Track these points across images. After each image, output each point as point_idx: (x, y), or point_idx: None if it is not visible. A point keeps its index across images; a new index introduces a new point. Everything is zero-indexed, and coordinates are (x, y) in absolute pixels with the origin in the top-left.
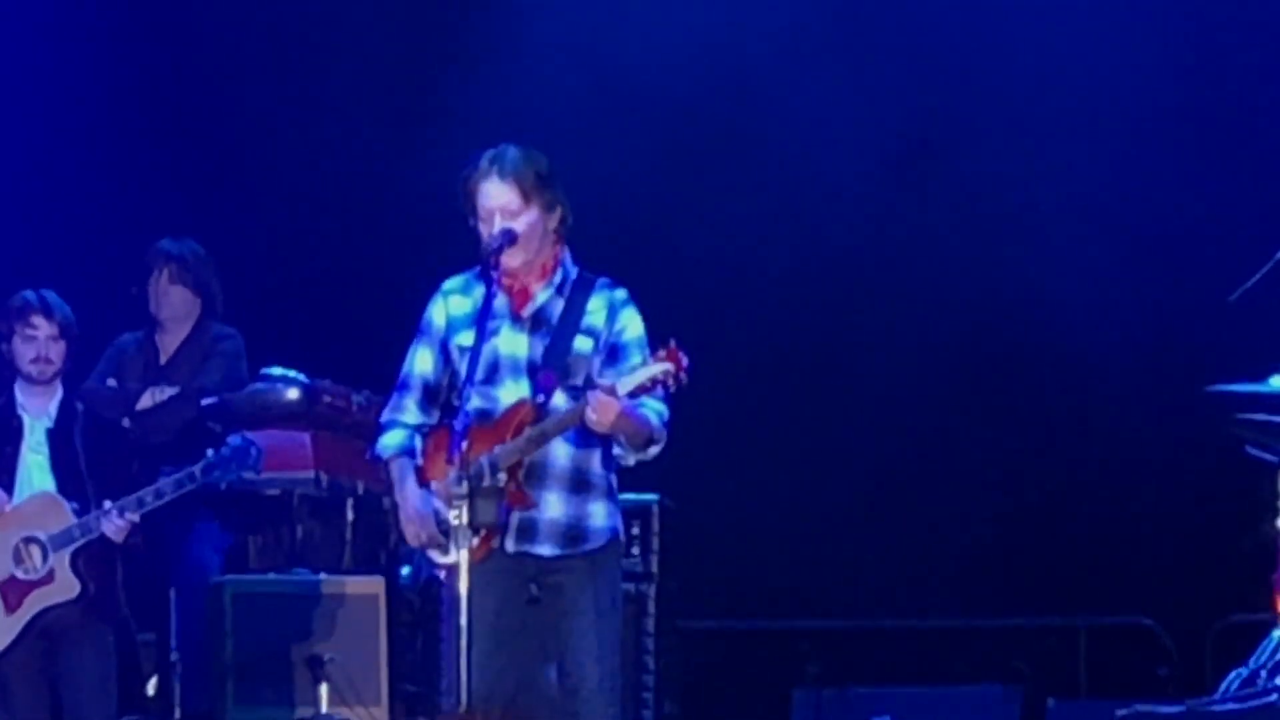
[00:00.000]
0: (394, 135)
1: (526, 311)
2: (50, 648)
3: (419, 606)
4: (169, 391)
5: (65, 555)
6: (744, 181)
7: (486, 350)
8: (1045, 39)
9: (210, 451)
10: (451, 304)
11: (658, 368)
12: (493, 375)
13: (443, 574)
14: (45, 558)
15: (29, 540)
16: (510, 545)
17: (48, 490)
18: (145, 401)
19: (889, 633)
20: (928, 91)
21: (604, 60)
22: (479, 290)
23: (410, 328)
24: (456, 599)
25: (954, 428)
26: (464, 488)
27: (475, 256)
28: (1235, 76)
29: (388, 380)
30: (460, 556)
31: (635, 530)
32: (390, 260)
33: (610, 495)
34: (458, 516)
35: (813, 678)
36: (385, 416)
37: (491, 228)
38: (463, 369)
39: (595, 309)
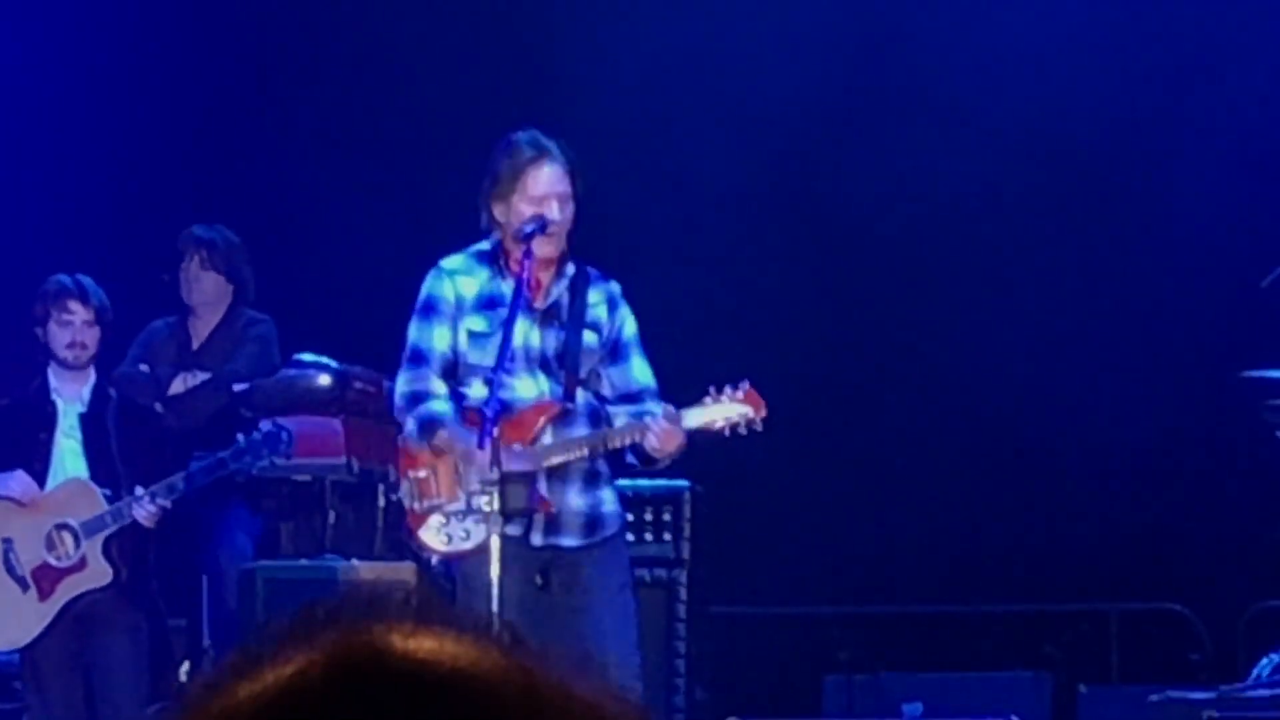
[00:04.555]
0: (427, 121)
1: (541, 303)
2: (83, 635)
3: (451, 592)
4: (201, 377)
5: (97, 542)
6: (767, 174)
7: (499, 339)
8: (1049, 40)
9: (241, 437)
10: (459, 284)
11: (734, 409)
12: (507, 365)
13: (434, 559)
14: (78, 544)
15: (61, 527)
16: (537, 539)
17: (80, 477)
18: (177, 387)
19: (920, 619)
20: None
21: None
22: (483, 272)
23: None
24: (479, 585)
25: (985, 414)
26: (495, 473)
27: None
28: (1271, 53)
29: None
30: (492, 543)
31: (666, 516)
32: (422, 248)
33: (611, 481)
34: (488, 503)
35: (844, 664)
36: (410, 387)
37: (541, 211)
38: (477, 353)
39: (596, 302)
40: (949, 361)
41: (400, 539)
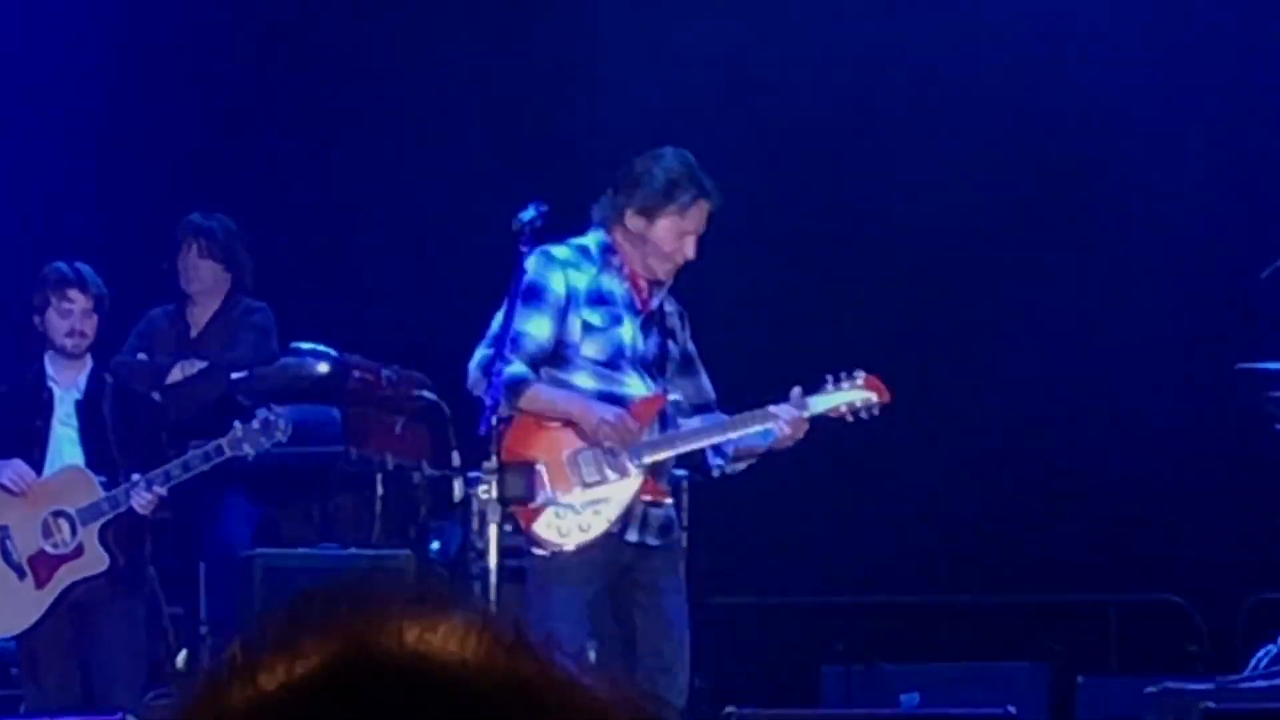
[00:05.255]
0: (426, 109)
1: (645, 308)
2: (79, 622)
3: (449, 580)
4: (199, 365)
5: (94, 529)
6: (780, 176)
7: (613, 335)
8: (1047, 38)
9: (238, 424)
10: (570, 276)
11: (856, 395)
12: (616, 361)
13: (547, 553)
14: (74, 532)
15: (58, 514)
16: (633, 536)
17: (76, 464)
18: (175, 375)
19: (918, 609)
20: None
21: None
22: (590, 267)
23: (440, 303)
24: (573, 578)
25: (983, 406)
26: (495, 463)
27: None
28: (1269, 49)
29: (416, 355)
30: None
31: None
32: (420, 236)
33: None
34: (486, 491)
35: (842, 654)
36: (501, 360)
37: (681, 245)
38: (591, 347)
39: (671, 312)
40: (946, 354)
41: (398, 526)
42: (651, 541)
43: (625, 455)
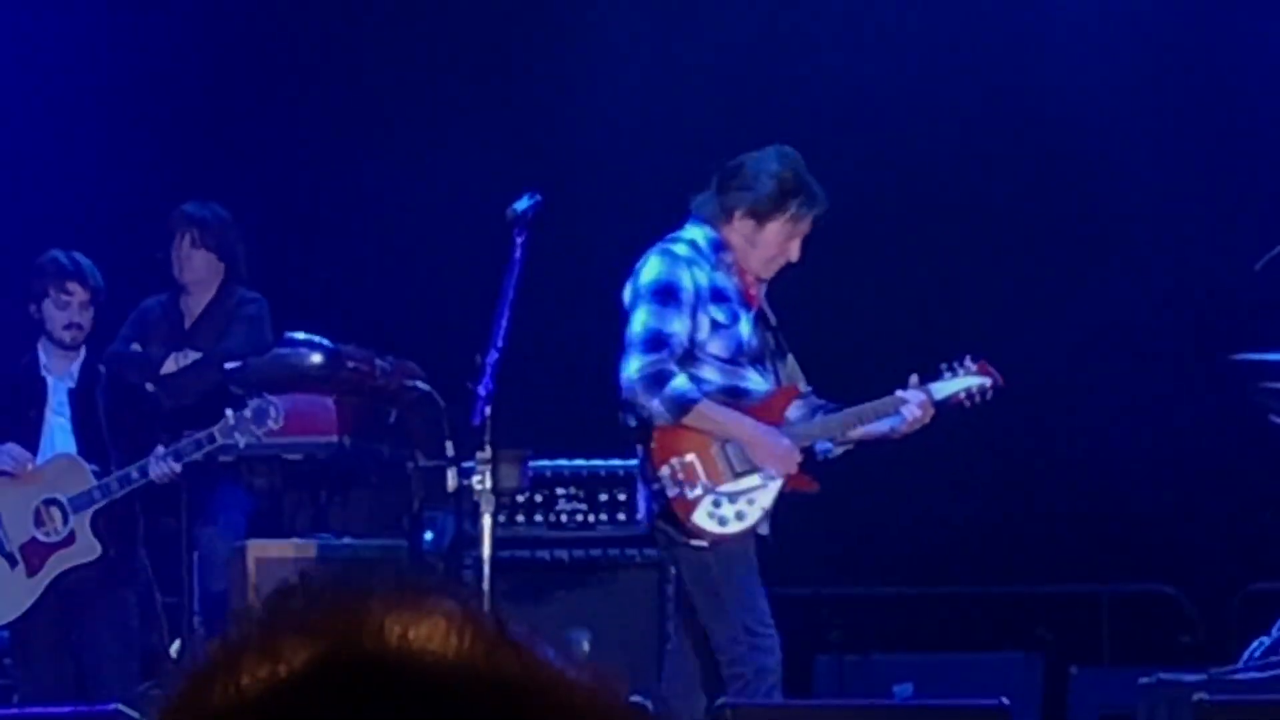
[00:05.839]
0: (418, 99)
1: (754, 303)
2: (71, 612)
3: (442, 570)
4: (193, 356)
5: (85, 517)
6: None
7: (734, 331)
8: (1061, 42)
9: (229, 412)
10: (695, 274)
11: (973, 381)
12: (737, 357)
13: (706, 543)
14: (66, 520)
15: (49, 502)
16: (765, 529)
17: (68, 452)
18: (169, 366)
19: (911, 600)
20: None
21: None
22: (705, 264)
23: (434, 293)
24: (741, 567)
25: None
26: (488, 453)
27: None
28: (1263, 40)
29: (411, 345)
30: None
31: None
32: (415, 226)
33: None
34: (480, 482)
35: (835, 644)
36: (651, 369)
37: (788, 249)
38: (716, 344)
39: (766, 307)
40: (940, 345)
41: (391, 516)
42: (765, 533)
43: None
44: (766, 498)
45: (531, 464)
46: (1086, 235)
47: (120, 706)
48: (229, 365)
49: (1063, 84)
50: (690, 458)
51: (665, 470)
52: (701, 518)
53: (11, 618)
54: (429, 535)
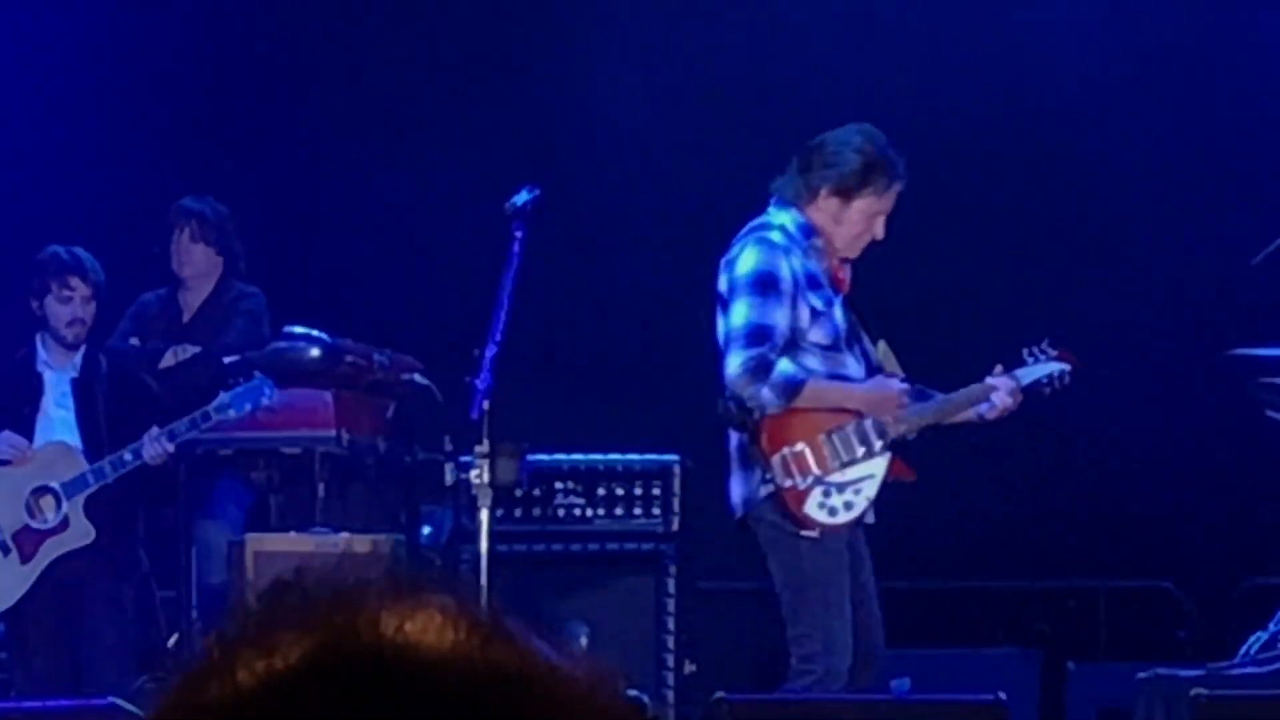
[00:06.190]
0: (416, 93)
1: (844, 286)
2: (67, 606)
3: (439, 565)
4: (191, 350)
5: (79, 502)
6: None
7: (831, 316)
8: (1059, 38)
9: (222, 392)
10: (793, 262)
11: (1055, 366)
12: (836, 343)
13: (816, 533)
14: (58, 506)
15: (41, 489)
16: (871, 517)
17: (58, 439)
18: (168, 360)
19: (908, 594)
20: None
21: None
22: (798, 250)
23: (432, 287)
24: (839, 560)
25: None
26: (485, 446)
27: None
28: (1261, 33)
29: (409, 339)
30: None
31: (656, 490)
32: (413, 220)
33: None
34: (478, 476)
35: None
36: (755, 361)
37: (872, 225)
38: (817, 332)
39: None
40: (940, 339)
41: (389, 511)
42: (871, 520)
43: (875, 434)
44: (872, 488)
45: (529, 458)
46: (1084, 231)
47: (116, 700)
48: (227, 360)
49: (1060, 80)
50: (800, 447)
51: (777, 460)
52: (812, 508)
53: (6, 605)
54: (426, 530)
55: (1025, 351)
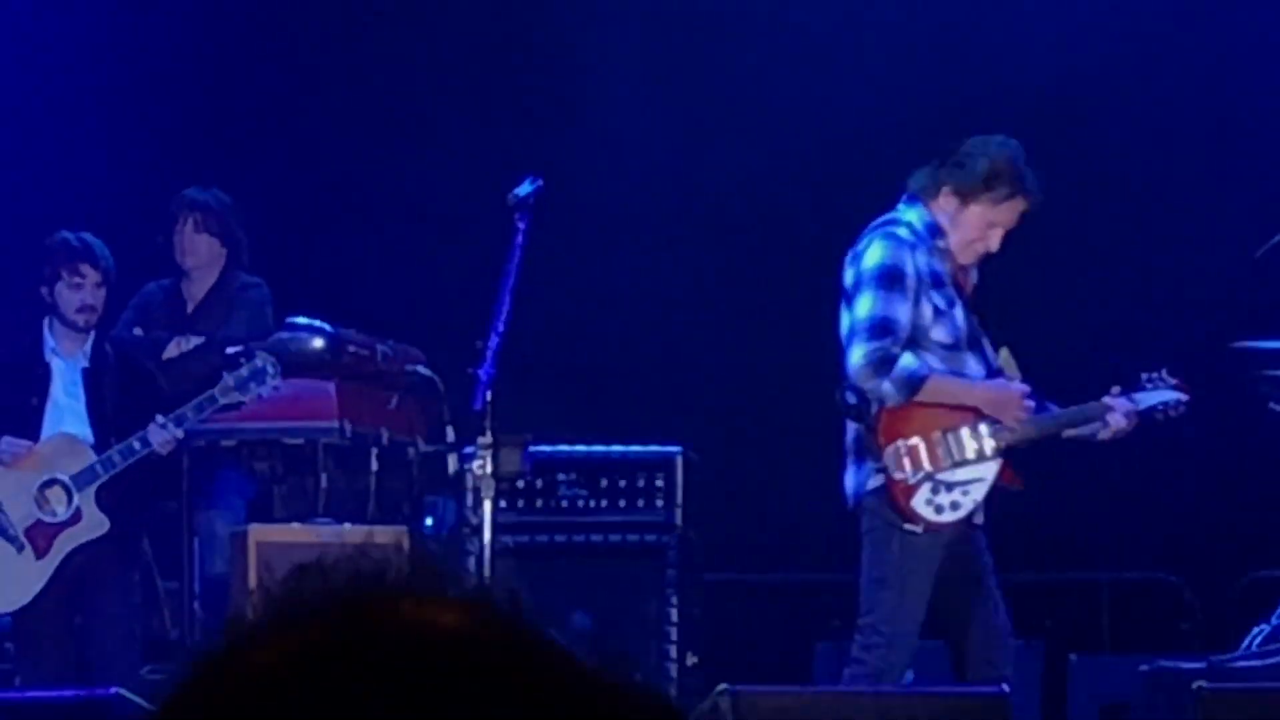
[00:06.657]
0: (419, 84)
1: (966, 287)
2: (76, 596)
3: (442, 556)
4: (195, 341)
5: (90, 493)
6: (776, 147)
7: (954, 316)
8: (1058, 32)
9: (227, 374)
10: (918, 258)
11: (1171, 395)
12: (959, 343)
13: (919, 529)
14: (70, 499)
15: (50, 483)
16: (979, 518)
17: (64, 432)
18: (171, 350)
19: None
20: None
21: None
22: (923, 247)
23: (435, 278)
24: (935, 556)
25: None
26: (489, 438)
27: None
28: (1263, 26)
29: (412, 330)
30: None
31: (659, 482)
32: (416, 211)
33: None
34: (481, 467)
35: (836, 630)
36: (878, 355)
37: (988, 235)
38: (939, 330)
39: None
40: None
41: (392, 502)
42: (980, 521)
43: (990, 436)
44: (980, 490)
45: (532, 449)
46: (1085, 225)
47: (122, 691)
48: (231, 350)
49: (1060, 74)
50: (915, 441)
51: (890, 451)
52: (920, 504)
53: (24, 602)
54: (430, 520)
55: (1144, 377)
